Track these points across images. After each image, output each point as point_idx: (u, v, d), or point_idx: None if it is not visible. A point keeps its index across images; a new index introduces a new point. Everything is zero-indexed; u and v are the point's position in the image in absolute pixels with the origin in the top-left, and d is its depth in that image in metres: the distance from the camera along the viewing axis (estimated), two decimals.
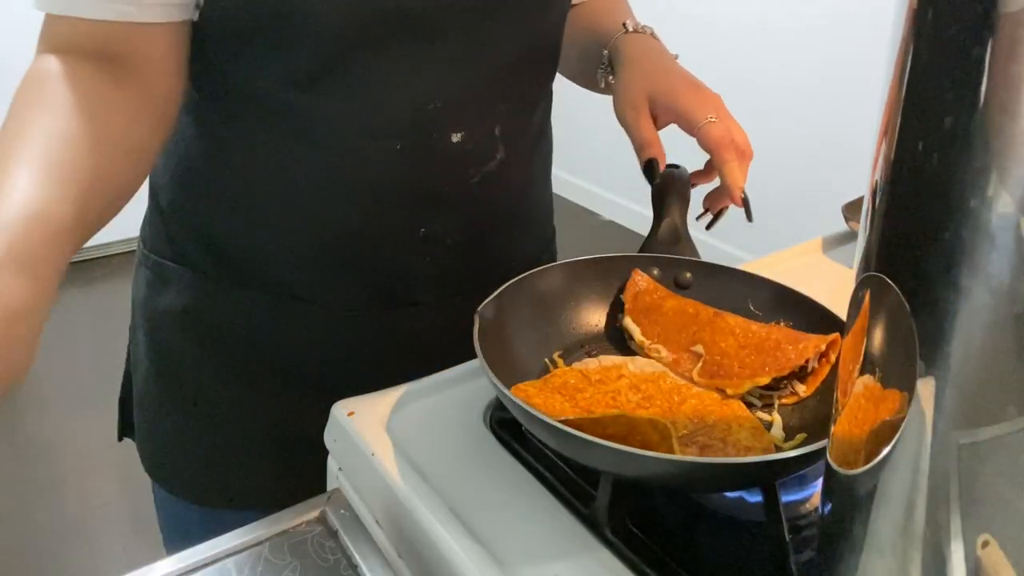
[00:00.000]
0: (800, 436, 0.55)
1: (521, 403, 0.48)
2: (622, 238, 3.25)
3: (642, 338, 0.64)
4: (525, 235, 0.79)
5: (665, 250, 0.71)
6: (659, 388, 0.57)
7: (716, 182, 0.71)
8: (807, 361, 0.59)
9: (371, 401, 0.61)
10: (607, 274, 0.68)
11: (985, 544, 0.30)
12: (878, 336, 0.32)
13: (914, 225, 0.29)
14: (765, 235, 2.71)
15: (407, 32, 0.60)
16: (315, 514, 0.54)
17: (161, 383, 0.75)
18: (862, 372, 0.34)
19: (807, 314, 0.62)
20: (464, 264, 0.71)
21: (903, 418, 0.31)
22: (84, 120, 0.52)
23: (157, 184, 0.73)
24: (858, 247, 0.34)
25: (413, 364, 0.64)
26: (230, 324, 0.71)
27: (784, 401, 0.59)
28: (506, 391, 0.50)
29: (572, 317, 0.66)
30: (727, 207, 0.73)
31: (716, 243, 2.74)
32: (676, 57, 0.76)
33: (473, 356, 0.53)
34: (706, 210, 0.74)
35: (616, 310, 0.67)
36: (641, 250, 0.72)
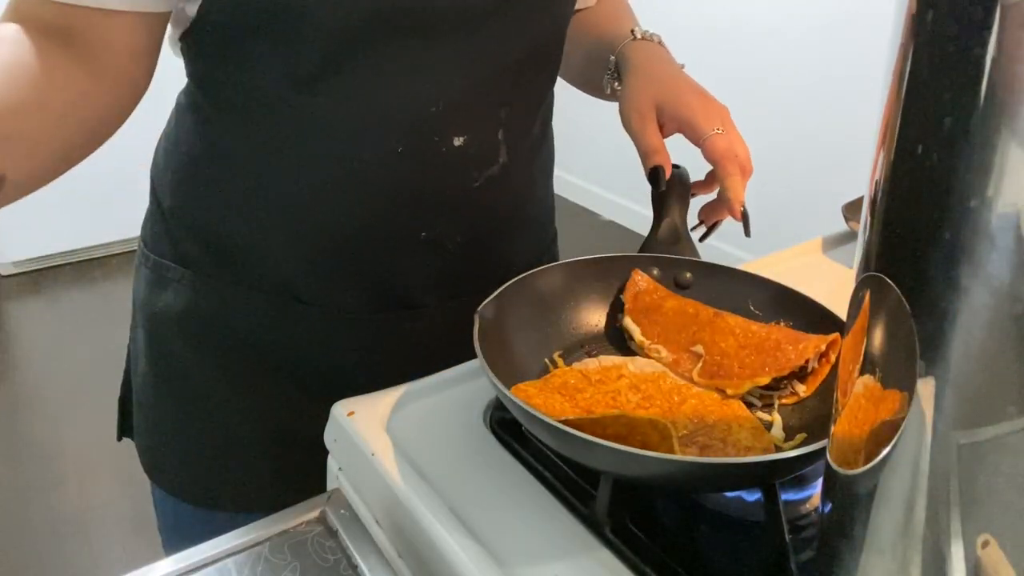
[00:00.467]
0: (800, 436, 0.55)
1: (521, 403, 0.48)
2: (622, 238, 3.25)
3: (642, 338, 0.64)
4: (526, 238, 0.79)
5: (665, 250, 0.71)
6: (659, 388, 0.57)
7: (715, 194, 0.72)
8: (807, 361, 0.59)
9: (371, 401, 0.61)
10: (607, 274, 0.68)
11: (985, 544, 0.30)
12: (878, 336, 0.32)
13: (914, 225, 0.29)
14: (765, 235, 2.71)
15: (405, 33, 0.59)
16: (315, 514, 0.54)
17: (160, 383, 0.75)
18: (862, 372, 0.34)
19: (807, 314, 0.62)
20: (465, 267, 0.71)
21: (903, 418, 0.31)
22: (19, 80, 0.54)
23: (158, 184, 0.73)
24: (858, 247, 0.34)
25: (414, 366, 0.64)
26: (230, 325, 0.71)
27: (784, 401, 0.59)
28: (506, 391, 0.50)
29: (572, 317, 0.66)
30: (722, 220, 0.73)
31: (716, 243, 2.74)
32: (683, 67, 0.76)
33: (473, 357, 0.54)
34: (701, 222, 0.74)
35: (616, 310, 0.67)
36: (641, 250, 0.72)
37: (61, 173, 0.60)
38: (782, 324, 0.63)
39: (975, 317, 0.28)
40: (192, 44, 0.64)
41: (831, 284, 0.60)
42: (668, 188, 0.72)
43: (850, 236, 0.92)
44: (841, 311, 0.48)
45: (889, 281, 0.31)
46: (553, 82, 0.76)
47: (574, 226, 3.45)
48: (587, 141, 3.49)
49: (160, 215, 0.73)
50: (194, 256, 0.71)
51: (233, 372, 0.72)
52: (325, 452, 0.62)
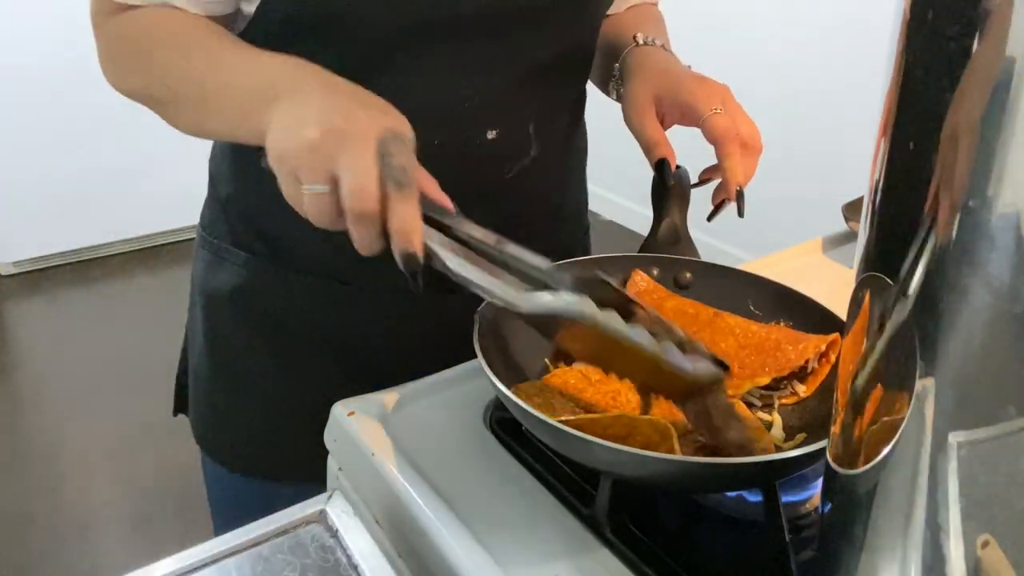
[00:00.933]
0: (800, 436, 0.55)
1: (521, 403, 0.48)
2: (622, 238, 3.24)
3: None
4: (560, 228, 0.82)
5: (665, 250, 0.71)
6: None
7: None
8: (807, 361, 0.59)
9: (371, 401, 0.61)
10: (607, 274, 0.67)
11: (985, 544, 0.30)
12: (878, 336, 0.32)
13: (914, 225, 0.29)
14: (765, 235, 2.71)
15: (441, 38, 0.63)
16: (315, 514, 0.54)
17: (215, 359, 0.79)
18: (862, 372, 0.34)
19: (807, 314, 0.62)
20: None
21: (903, 418, 0.31)
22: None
23: (216, 173, 0.77)
24: (858, 247, 0.34)
25: (450, 347, 0.65)
26: (278, 304, 0.74)
27: (784, 401, 0.59)
28: (506, 391, 0.50)
29: None
30: (728, 200, 0.73)
31: (716, 243, 2.74)
32: (688, 68, 0.76)
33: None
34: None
35: None
36: (641, 250, 0.72)
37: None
38: (782, 324, 0.63)
39: (975, 317, 0.28)
40: (247, 41, 0.65)
41: (831, 284, 0.60)
42: (668, 188, 0.72)
43: (850, 236, 0.92)
44: (841, 311, 0.48)
45: (889, 281, 0.31)
46: (584, 80, 0.78)
47: None
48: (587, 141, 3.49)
49: (217, 202, 0.77)
50: (247, 240, 0.74)
51: (281, 350, 0.75)
52: None
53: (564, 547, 0.49)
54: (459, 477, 0.54)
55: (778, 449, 0.53)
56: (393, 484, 0.53)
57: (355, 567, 0.50)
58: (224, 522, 0.54)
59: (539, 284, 0.52)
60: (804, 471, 0.51)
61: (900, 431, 0.31)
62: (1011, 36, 0.25)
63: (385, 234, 0.51)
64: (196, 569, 0.50)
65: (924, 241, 0.29)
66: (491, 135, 0.68)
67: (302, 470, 0.70)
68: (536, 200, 0.75)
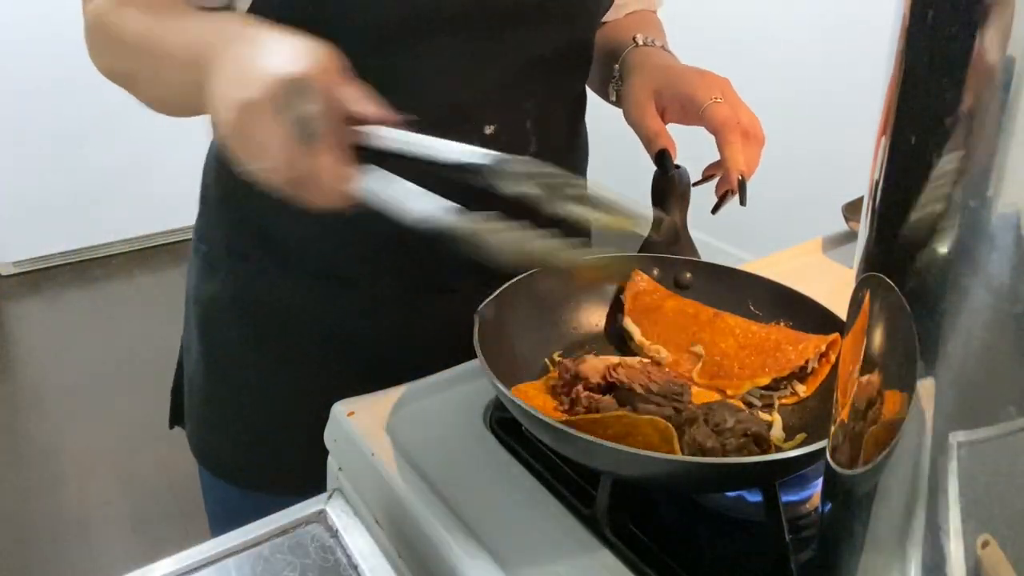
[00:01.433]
0: (800, 436, 0.55)
1: (521, 403, 0.48)
2: (622, 238, 3.24)
3: (642, 338, 0.64)
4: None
5: (665, 250, 0.71)
6: None
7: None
8: (807, 361, 0.59)
9: (371, 401, 0.61)
10: (607, 274, 0.67)
11: (985, 544, 0.30)
12: (878, 336, 0.32)
13: (914, 225, 0.29)
14: (765, 235, 2.71)
15: (437, 31, 0.63)
16: (315, 514, 0.54)
17: (211, 369, 0.78)
18: (862, 372, 0.34)
19: (807, 314, 0.62)
20: None
21: (903, 418, 0.31)
22: None
23: (208, 177, 0.76)
24: (858, 247, 0.34)
25: (449, 347, 0.65)
26: (276, 308, 0.74)
27: (784, 401, 0.59)
28: (506, 391, 0.50)
29: (572, 317, 0.66)
30: (731, 192, 0.72)
31: (716, 243, 2.74)
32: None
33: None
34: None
35: (616, 310, 0.67)
36: (641, 250, 0.72)
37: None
38: (782, 324, 0.63)
39: (975, 317, 0.27)
40: None
41: (831, 284, 0.60)
42: (668, 188, 0.72)
43: (850, 236, 0.92)
44: (841, 311, 0.48)
45: (889, 281, 0.31)
46: (583, 79, 0.78)
47: None
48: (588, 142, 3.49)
49: (210, 207, 0.77)
50: (242, 245, 0.74)
51: (278, 356, 0.75)
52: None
53: (564, 547, 0.49)
54: (459, 477, 0.54)
55: (778, 449, 0.53)
56: (393, 484, 0.53)
57: (355, 567, 0.50)
58: (222, 534, 0.55)
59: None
60: (804, 471, 0.51)
61: (900, 431, 0.31)
62: (1011, 36, 0.25)
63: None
64: (195, 569, 0.50)
65: (924, 241, 0.29)
66: (488, 130, 0.67)
67: (300, 481, 0.69)
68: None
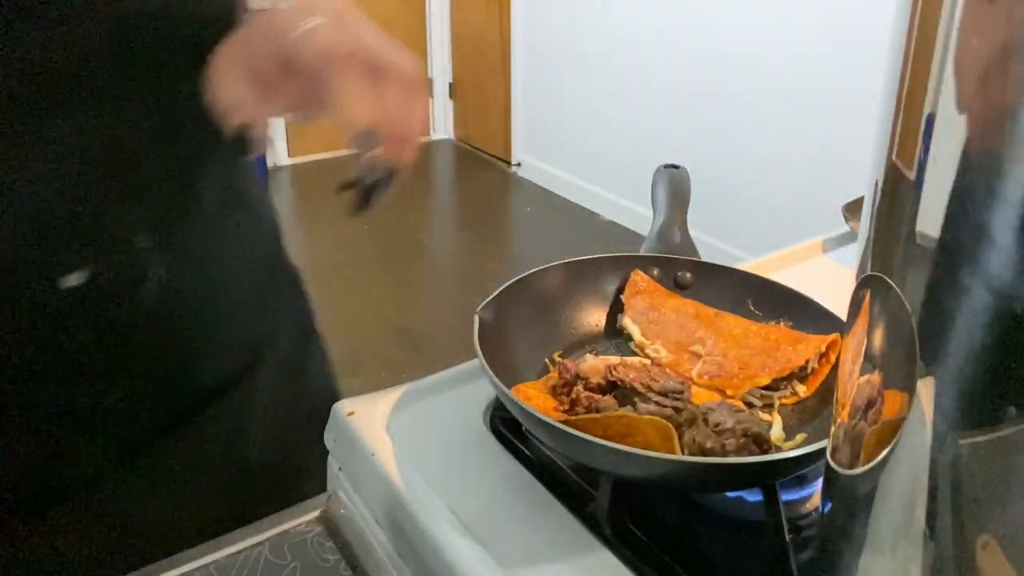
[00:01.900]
0: (800, 436, 0.55)
1: (521, 403, 0.48)
2: (622, 238, 3.25)
3: (642, 338, 0.64)
4: (224, 343, 0.59)
5: (665, 250, 0.71)
6: None
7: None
8: (807, 361, 0.59)
9: (371, 401, 0.61)
10: (607, 274, 0.68)
11: (985, 544, 0.30)
12: (878, 336, 0.32)
13: (914, 225, 0.29)
14: (765, 235, 2.71)
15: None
16: (315, 514, 0.54)
17: None
18: (862, 372, 0.34)
19: (807, 314, 0.62)
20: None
21: (903, 418, 0.31)
22: None
23: None
24: (858, 247, 0.34)
25: None
26: None
27: (784, 401, 0.59)
28: (506, 391, 0.50)
29: (572, 317, 0.66)
30: (384, 180, 0.45)
31: (716, 243, 2.74)
32: None
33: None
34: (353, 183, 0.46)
35: (616, 310, 0.67)
36: (641, 250, 0.72)
37: None
38: (782, 324, 0.63)
39: (975, 317, 0.27)
40: None
41: (831, 284, 0.60)
42: (668, 188, 0.72)
43: (850, 236, 0.92)
44: (841, 311, 0.48)
45: (889, 281, 0.31)
46: (217, 140, 0.49)
47: (574, 226, 3.45)
48: (587, 141, 3.49)
49: None
50: None
51: None
52: None
53: (564, 547, 0.49)
54: (459, 477, 0.54)
55: (778, 449, 0.53)
56: (393, 484, 0.53)
57: (355, 567, 0.50)
58: None
59: None
60: (804, 471, 0.51)
61: (900, 431, 0.31)
62: (1010, 36, 0.25)
63: None
64: (196, 569, 0.50)
65: (924, 241, 0.29)
66: (71, 281, 0.45)
67: None
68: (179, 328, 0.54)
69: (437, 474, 0.54)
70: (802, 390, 0.59)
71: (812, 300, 0.62)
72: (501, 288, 0.60)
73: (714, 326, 0.63)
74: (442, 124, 4.50)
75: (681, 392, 0.55)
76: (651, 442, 0.47)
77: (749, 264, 0.80)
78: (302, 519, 0.53)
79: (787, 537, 0.48)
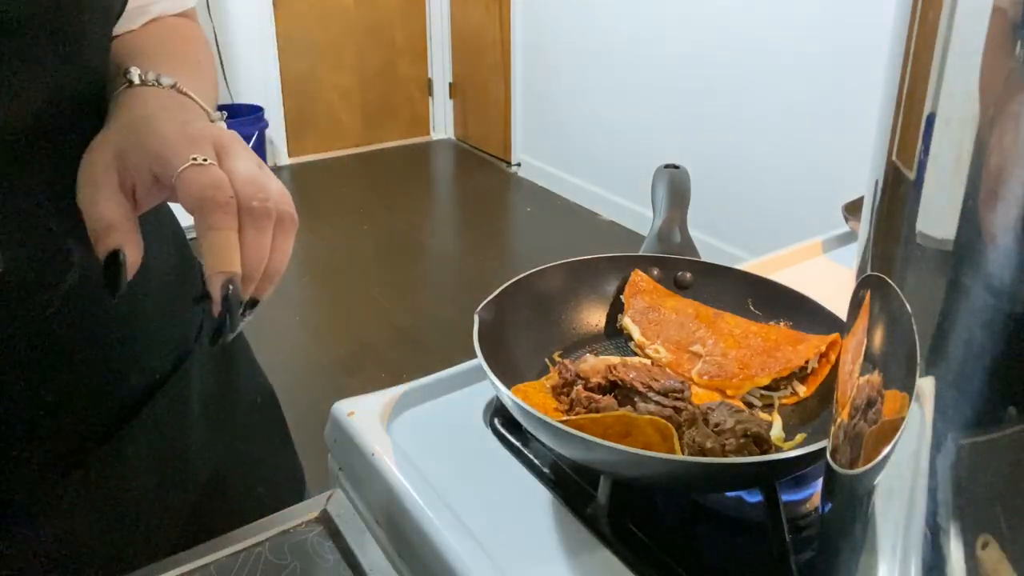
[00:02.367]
0: (800, 436, 0.55)
1: (521, 403, 0.48)
2: (622, 238, 3.25)
3: (642, 338, 0.64)
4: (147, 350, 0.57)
5: (665, 250, 0.71)
6: None
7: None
8: (807, 361, 0.59)
9: (371, 401, 0.61)
10: (607, 274, 0.68)
11: (985, 544, 0.30)
12: (878, 336, 0.32)
13: (914, 225, 0.29)
14: (765, 235, 2.71)
15: None
16: (315, 514, 0.54)
17: None
18: (862, 372, 0.34)
19: (807, 314, 0.62)
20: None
21: (903, 418, 0.31)
22: None
23: None
24: (858, 247, 0.34)
25: None
26: None
27: (784, 401, 0.59)
28: (506, 391, 0.50)
29: (572, 317, 0.66)
30: (240, 305, 0.42)
31: (716, 243, 2.74)
32: (222, 117, 0.51)
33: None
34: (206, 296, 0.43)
35: (616, 310, 0.67)
36: (641, 250, 0.72)
37: None
38: (782, 324, 0.63)
39: (975, 317, 0.27)
40: None
41: (831, 284, 0.60)
42: (668, 188, 0.72)
43: (850, 236, 0.92)
44: (841, 311, 0.48)
45: (889, 281, 0.31)
46: None
47: (573, 226, 3.45)
48: (586, 141, 3.49)
49: None
50: None
51: None
52: None
53: (564, 547, 0.49)
54: (459, 477, 0.54)
55: (778, 449, 0.53)
56: (393, 484, 0.53)
57: (355, 567, 0.50)
58: None
59: None
60: (804, 471, 0.51)
61: (900, 431, 0.31)
62: (1009, 35, 0.25)
63: None
64: (196, 569, 0.50)
65: (924, 241, 0.29)
66: None
67: None
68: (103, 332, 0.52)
69: (437, 474, 0.54)
70: (802, 390, 0.59)
71: (812, 300, 0.62)
72: (501, 288, 0.61)
73: (714, 326, 0.63)
74: (442, 124, 4.50)
75: (681, 392, 0.55)
76: (651, 442, 0.47)
77: (749, 264, 0.80)
78: (302, 519, 0.53)
79: (787, 537, 0.48)
